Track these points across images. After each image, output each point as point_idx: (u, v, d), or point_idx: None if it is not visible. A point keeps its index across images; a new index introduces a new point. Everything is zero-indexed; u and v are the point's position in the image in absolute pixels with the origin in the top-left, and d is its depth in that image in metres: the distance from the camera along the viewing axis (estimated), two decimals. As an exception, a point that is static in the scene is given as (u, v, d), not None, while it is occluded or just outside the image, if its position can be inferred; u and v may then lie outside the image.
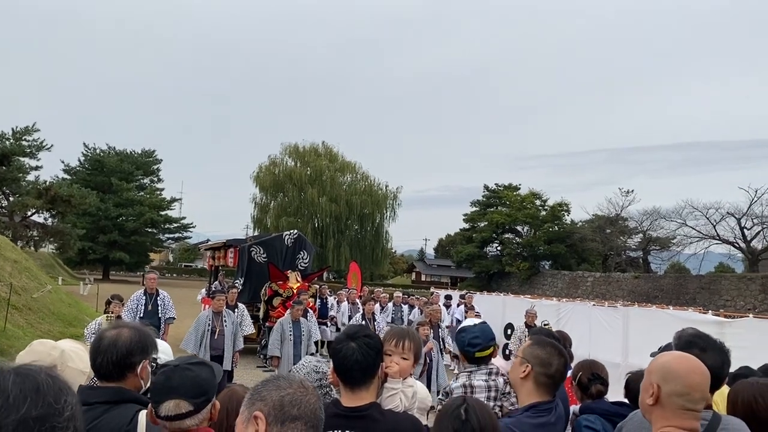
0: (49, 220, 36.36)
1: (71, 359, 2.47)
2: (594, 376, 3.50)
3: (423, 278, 69.21)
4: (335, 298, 15.03)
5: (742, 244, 36.16)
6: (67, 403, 1.09)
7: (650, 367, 2.09)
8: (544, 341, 2.71)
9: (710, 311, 10.87)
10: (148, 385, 2.45)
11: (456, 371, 13.35)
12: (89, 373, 2.46)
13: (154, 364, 2.39)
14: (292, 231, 15.33)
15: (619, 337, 10.65)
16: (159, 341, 2.87)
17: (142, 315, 9.64)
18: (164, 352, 3.07)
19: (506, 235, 48.92)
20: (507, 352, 13.13)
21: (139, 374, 2.30)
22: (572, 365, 4.91)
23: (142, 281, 28.23)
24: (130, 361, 2.27)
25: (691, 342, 2.68)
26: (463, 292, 17.58)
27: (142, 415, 2.19)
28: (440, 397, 3.07)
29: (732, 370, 2.87)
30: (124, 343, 2.27)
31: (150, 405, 2.03)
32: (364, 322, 10.40)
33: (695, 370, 1.97)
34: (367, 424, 2.19)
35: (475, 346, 2.91)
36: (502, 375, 2.81)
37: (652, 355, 4.67)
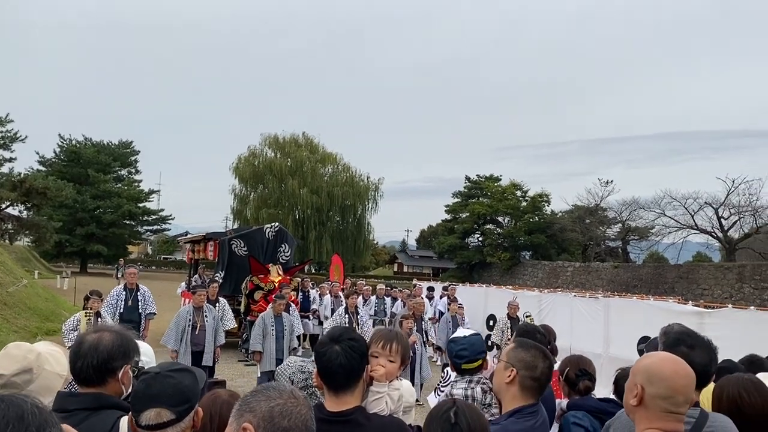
0: (25, 212, 35.77)
1: (48, 362, 2.39)
2: (582, 371, 3.50)
3: (405, 269, 69.41)
4: (318, 291, 14.97)
5: (720, 234, 36.68)
6: (49, 428, 1.05)
7: (635, 367, 2.08)
8: (527, 343, 2.68)
9: (690, 302, 10.99)
10: (130, 390, 2.39)
11: (438, 362, 13.44)
12: (67, 376, 2.39)
13: (136, 369, 2.33)
14: (273, 224, 15.22)
15: (600, 328, 10.74)
16: (140, 343, 2.80)
17: (122, 310, 9.52)
18: (146, 354, 3.00)
19: (487, 226, 49.14)
20: (489, 343, 13.20)
21: (121, 379, 2.24)
22: (557, 359, 4.94)
23: (116, 275, 27.89)
24: (111, 366, 2.20)
25: (678, 339, 2.67)
26: (446, 284, 17.62)
27: (124, 422, 2.13)
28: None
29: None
30: (105, 348, 2.21)
31: (130, 413, 1.96)
32: (347, 316, 10.35)
33: (680, 372, 1.97)
34: (351, 429, 2.16)
35: (462, 358, 2.88)
36: (483, 384, 2.76)
37: (640, 350, 4.70)
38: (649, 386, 1.96)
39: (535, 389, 2.52)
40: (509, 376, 2.51)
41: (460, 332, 3.26)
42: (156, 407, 1.90)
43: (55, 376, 2.38)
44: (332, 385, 2.23)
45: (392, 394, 2.46)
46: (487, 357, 3.01)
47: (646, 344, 4.70)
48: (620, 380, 3.43)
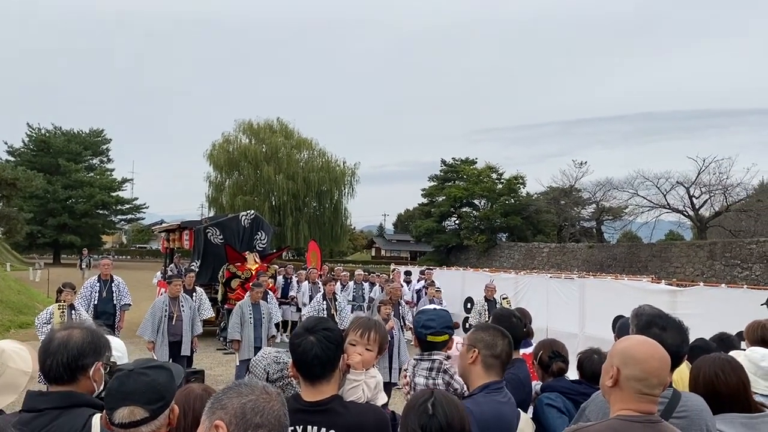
0: (-6, 204, 35.03)
1: (12, 359, 2.34)
2: (554, 354, 3.56)
3: (383, 253, 69.62)
4: (296, 278, 14.93)
5: (691, 212, 37.33)
6: None
7: (612, 350, 2.13)
8: (486, 325, 2.82)
9: (663, 280, 11.18)
10: (102, 387, 2.35)
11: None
12: (32, 373, 2.35)
13: (108, 365, 2.29)
14: (248, 211, 15.11)
15: (575, 309, 10.88)
16: (112, 338, 2.75)
17: (96, 302, 9.40)
18: (117, 350, 2.95)
19: (464, 209, 49.40)
20: (468, 326, 13.31)
21: (92, 376, 2.20)
22: (533, 342, 5.00)
23: (80, 265, 27.33)
24: (81, 363, 2.16)
25: (651, 322, 2.72)
26: (423, 268, 17.69)
27: (96, 419, 2.10)
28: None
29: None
30: (75, 344, 2.17)
31: (104, 411, 1.93)
32: (325, 302, 10.34)
33: (654, 355, 2.02)
34: (329, 418, 2.17)
35: (428, 329, 2.87)
36: (445, 372, 2.77)
37: (614, 333, 4.77)
38: (625, 368, 2.00)
39: (497, 366, 2.62)
40: (472, 356, 2.62)
41: (430, 306, 3.28)
42: (129, 405, 1.87)
43: (20, 374, 2.33)
44: (308, 376, 2.23)
45: (369, 381, 2.47)
46: (453, 338, 2.99)
47: (617, 325, 4.78)
48: (583, 362, 3.50)
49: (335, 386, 2.29)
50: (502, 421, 2.52)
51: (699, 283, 10.91)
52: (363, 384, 2.44)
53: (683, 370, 3.01)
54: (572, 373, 3.69)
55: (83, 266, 25.75)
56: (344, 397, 2.36)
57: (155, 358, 7.79)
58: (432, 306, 3.34)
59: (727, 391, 2.66)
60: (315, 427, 2.17)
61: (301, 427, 2.16)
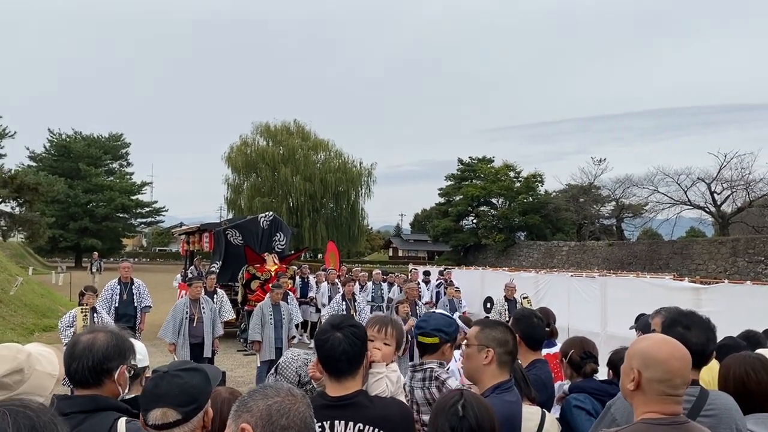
0: (17, 209, 35.53)
1: (39, 362, 2.35)
2: (586, 354, 3.48)
3: (400, 254, 69.53)
4: (315, 279, 14.96)
5: (713, 209, 36.83)
6: None
7: (630, 351, 2.07)
8: (491, 322, 2.78)
9: (686, 278, 11.02)
10: (126, 391, 2.35)
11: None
12: (58, 376, 2.35)
13: (132, 370, 2.30)
14: (267, 213, 15.16)
15: (597, 307, 10.76)
16: (134, 341, 2.76)
17: (117, 305, 9.48)
18: (139, 353, 2.96)
19: (481, 208, 49.16)
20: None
21: (117, 380, 2.20)
22: (557, 341, 4.92)
23: (90, 269, 27.45)
24: (106, 367, 2.17)
25: (674, 321, 2.66)
26: (442, 268, 17.62)
27: (121, 423, 2.10)
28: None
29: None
30: (99, 348, 2.18)
31: (141, 413, 1.94)
32: (344, 303, 10.35)
33: (675, 355, 1.96)
34: (356, 412, 2.19)
35: (419, 329, 2.86)
36: (436, 378, 2.73)
37: (631, 328, 4.69)
38: (646, 370, 1.95)
39: (509, 363, 2.62)
40: (486, 357, 2.55)
41: (438, 311, 3.28)
42: (162, 407, 1.89)
43: (47, 377, 2.34)
44: (335, 372, 2.24)
45: (391, 375, 2.49)
46: (447, 346, 2.93)
47: (637, 323, 4.70)
48: (616, 363, 3.42)
49: (360, 382, 2.30)
50: (513, 422, 2.51)
51: (723, 280, 10.74)
52: (386, 378, 2.46)
53: (713, 368, 2.94)
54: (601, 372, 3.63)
55: (93, 270, 25.84)
56: (369, 391, 2.38)
57: (176, 360, 7.83)
58: (439, 310, 3.34)
59: (758, 390, 2.60)
60: (342, 422, 2.18)
61: (328, 422, 2.17)
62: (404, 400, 2.56)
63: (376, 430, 2.17)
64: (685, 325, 2.55)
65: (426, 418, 2.67)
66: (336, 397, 2.22)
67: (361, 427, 2.17)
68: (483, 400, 2.08)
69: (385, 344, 2.58)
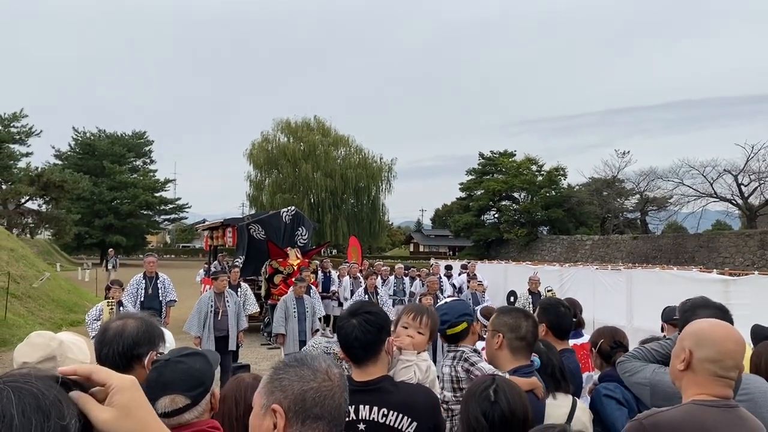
0: (43, 206, 36.18)
1: (71, 350, 2.36)
2: (616, 343, 3.43)
3: (421, 249, 69.43)
4: (337, 273, 14.99)
5: (740, 201, 36.15)
6: (71, 416, 0.98)
7: (683, 333, 2.04)
8: (508, 309, 2.84)
9: (714, 270, 10.83)
10: None
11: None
12: (89, 363, 2.37)
13: (161, 356, 2.31)
14: (289, 208, 15.21)
15: (623, 300, 10.64)
16: (164, 330, 2.77)
17: (142, 299, 9.56)
18: (168, 341, 2.98)
19: (503, 202, 48.87)
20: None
21: (147, 366, 2.20)
22: (584, 332, 4.87)
23: (105, 266, 27.67)
24: (137, 353, 2.18)
25: (696, 307, 2.64)
26: (465, 262, 17.54)
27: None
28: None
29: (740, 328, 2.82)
30: (130, 334, 2.19)
31: None
32: (366, 297, 10.35)
33: (730, 337, 1.93)
34: (381, 397, 2.19)
35: (443, 324, 2.83)
36: (465, 360, 2.71)
37: (663, 320, 4.62)
38: (698, 350, 1.91)
39: (523, 348, 2.62)
40: (497, 342, 2.62)
41: (442, 301, 3.26)
42: (170, 394, 1.88)
43: (78, 364, 2.35)
44: (353, 358, 2.26)
45: (420, 364, 2.50)
46: (476, 322, 2.95)
47: (663, 313, 4.63)
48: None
49: (383, 368, 2.29)
50: (534, 407, 2.46)
51: (753, 272, 10.53)
52: (415, 366, 2.46)
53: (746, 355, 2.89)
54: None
55: (109, 267, 26.04)
56: (395, 377, 2.37)
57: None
58: (444, 300, 3.33)
59: None
60: (367, 406, 2.18)
61: (353, 407, 2.17)
62: (435, 389, 2.54)
63: (401, 415, 2.17)
64: (715, 307, 2.52)
65: (448, 395, 2.71)
66: (361, 382, 2.22)
67: (386, 412, 2.17)
68: (517, 387, 2.06)
69: (419, 333, 2.59)
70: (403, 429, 2.16)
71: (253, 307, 10.69)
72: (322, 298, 13.47)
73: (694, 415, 1.84)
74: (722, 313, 2.57)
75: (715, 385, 1.89)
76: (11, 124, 34.16)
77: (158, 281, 9.86)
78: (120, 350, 2.15)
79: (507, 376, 2.46)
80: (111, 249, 33.14)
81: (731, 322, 2.58)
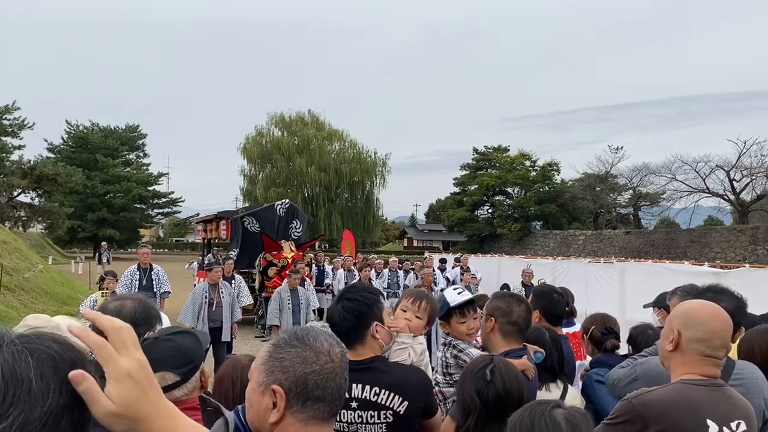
0: (36, 199, 36.01)
1: (67, 332, 2.38)
2: (608, 330, 3.48)
3: (415, 244, 69.45)
4: (332, 266, 15.02)
5: (732, 197, 36.35)
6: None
7: (671, 315, 2.09)
8: (502, 294, 2.90)
9: (706, 263, 10.92)
10: None
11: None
12: (85, 348, 2.38)
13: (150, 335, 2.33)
14: (283, 201, 15.21)
15: (615, 293, 10.69)
16: (160, 313, 2.79)
17: (136, 290, 9.56)
18: (166, 324, 3.00)
19: (497, 197, 48.96)
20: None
21: None
22: (576, 321, 4.91)
23: (98, 259, 27.35)
24: (135, 333, 2.19)
25: (704, 290, 2.66)
26: (458, 255, 17.60)
27: None
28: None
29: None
30: (127, 314, 2.20)
31: None
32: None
33: (717, 316, 1.96)
34: (373, 376, 2.21)
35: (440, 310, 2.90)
36: (454, 347, 2.75)
37: (645, 306, 4.68)
38: (686, 330, 1.94)
39: (515, 333, 2.67)
40: (489, 325, 2.67)
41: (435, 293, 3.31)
42: (159, 371, 1.88)
43: None
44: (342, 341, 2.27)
45: (416, 347, 2.52)
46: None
47: (653, 301, 4.68)
48: (637, 337, 3.42)
49: (373, 350, 2.29)
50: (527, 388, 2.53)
51: (744, 264, 10.62)
52: (410, 348, 2.48)
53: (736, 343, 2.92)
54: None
55: (102, 260, 25.82)
56: (390, 358, 2.40)
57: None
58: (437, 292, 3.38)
59: None
60: (359, 385, 2.20)
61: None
62: (428, 373, 2.57)
63: (392, 394, 2.19)
64: (715, 291, 2.55)
65: (440, 378, 2.78)
66: (354, 361, 2.21)
67: (377, 391, 2.19)
68: (514, 368, 2.08)
69: (417, 317, 2.63)
70: (395, 408, 2.19)
71: (247, 299, 10.70)
72: (316, 291, 13.50)
73: (682, 394, 1.88)
74: (731, 298, 2.60)
75: (703, 365, 1.92)
76: (3, 117, 33.93)
77: (152, 273, 9.87)
78: None
79: None
80: (104, 243, 32.99)
81: (742, 306, 2.62)
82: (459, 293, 2.83)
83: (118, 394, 0.92)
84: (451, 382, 2.73)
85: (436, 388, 2.72)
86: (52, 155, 50.82)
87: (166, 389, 1.88)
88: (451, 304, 2.76)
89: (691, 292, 2.78)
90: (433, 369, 2.97)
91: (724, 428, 1.85)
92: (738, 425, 1.87)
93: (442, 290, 13.24)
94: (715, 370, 1.94)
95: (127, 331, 0.98)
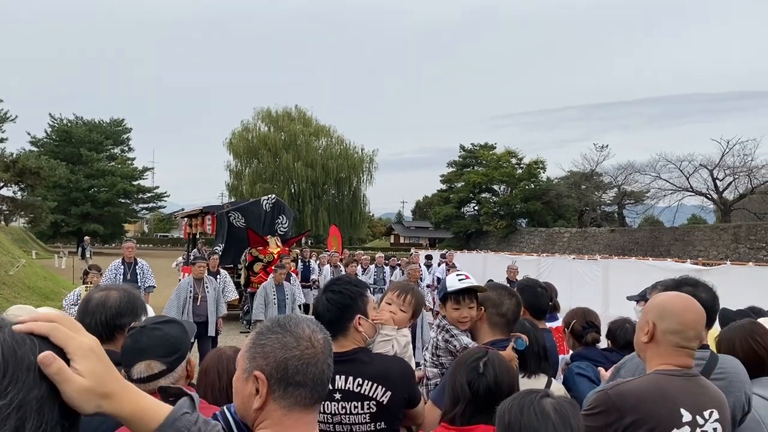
0: (19, 193, 35.60)
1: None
2: (588, 324, 3.52)
3: (401, 241, 69.54)
4: (318, 262, 15.00)
5: (715, 196, 36.72)
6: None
7: (646, 307, 2.13)
8: (495, 285, 2.95)
9: (688, 260, 11.06)
10: None
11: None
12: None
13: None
14: (269, 196, 15.17)
15: (599, 289, 10.82)
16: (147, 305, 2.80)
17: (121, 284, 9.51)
18: (151, 314, 3.00)
19: (483, 195, 49.13)
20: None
21: None
22: (559, 315, 4.97)
23: (81, 254, 27.08)
24: (119, 323, 2.20)
25: (681, 282, 2.71)
26: (444, 251, 17.66)
27: None
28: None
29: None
30: (113, 304, 2.21)
31: (123, 370, 1.93)
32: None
33: (690, 308, 2.01)
34: (356, 367, 2.22)
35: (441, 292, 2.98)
36: (447, 331, 2.79)
37: (629, 298, 4.76)
38: (661, 322, 1.99)
39: (503, 324, 2.71)
40: (479, 314, 2.72)
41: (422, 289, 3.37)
42: (145, 360, 1.90)
43: None
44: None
45: (399, 339, 2.54)
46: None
47: (638, 294, 4.75)
48: (616, 331, 3.48)
49: (355, 341, 2.30)
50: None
51: (725, 262, 10.77)
52: (394, 340, 2.51)
53: (713, 335, 2.97)
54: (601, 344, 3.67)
55: (86, 255, 25.59)
56: (373, 349, 2.42)
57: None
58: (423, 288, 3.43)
59: (766, 354, 2.63)
60: (342, 376, 2.21)
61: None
62: (412, 363, 2.59)
63: (376, 385, 2.21)
64: (692, 284, 2.60)
65: (427, 355, 2.83)
66: (337, 353, 2.25)
67: (360, 382, 2.20)
68: (507, 363, 2.11)
69: (401, 310, 2.66)
70: (378, 398, 2.20)
71: (233, 294, 10.69)
72: (302, 287, 13.49)
73: (657, 384, 1.92)
74: (707, 290, 2.65)
75: (677, 355, 1.97)
76: (-15, 110, 33.55)
77: (137, 267, 9.80)
78: (102, 320, 2.17)
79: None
80: (87, 237, 32.68)
81: (716, 297, 2.67)
82: (460, 280, 2.81)
83: (86, 368, 0.93)
84: (437, 363, 2.76)
85: (421, 367, 2.78)
86: (35, 149, 50.27)
87: (153, 378, 1.89)
88: (449, 289, 2.76)
89: (670, 286, 2.82)
90: (417, 365, 3.01)
91: (698, 417, 1.90)
92: (711, 414, 1.92)
93: (428, 286, 13.35)
94: (688, 360, 1.98)
95: (70, 317, 0.99)
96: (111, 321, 2.18)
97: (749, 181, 35.08)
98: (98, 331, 2.16)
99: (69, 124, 53.55)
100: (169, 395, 1.19)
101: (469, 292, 2.73)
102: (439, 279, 14.73)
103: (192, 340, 2.14)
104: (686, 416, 1.89)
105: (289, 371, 1.35)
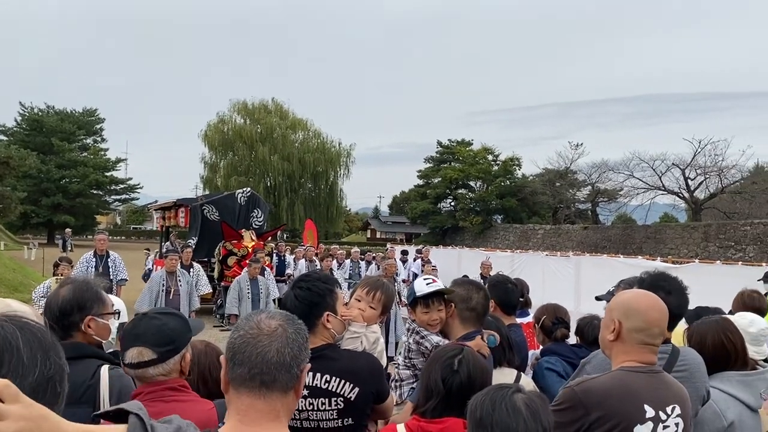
0: (-14, 183, 34.84)
1: (25, 314, 2.36)
2: (558, 320, 3.57)
3: (378, 235, 69.60)
4: (293, 256, 14.94)
5: (686, 194, 37.40)
6: (63, 358, 1.02)
7: (611, 305, 2.16)
8: (462, 281, 2.98)
9: (658, 258, 11.25)
10: (112, 338, 2.40)
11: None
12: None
13: (117, 317, 2.37)
14: (244, 189, 15.06)
15: (571, 285, 10.96)
16: (113, 297, 2.79)
17: (92, 277, 9.38)
18: (119, 307, 2.98)
19: (459, 191, 49.41)
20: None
21: (86, 331, 2.22)
22: (530, 311, 5.03)
23: (62, 245, 26.65)
24: (68, 321, 2.21)
25: (656, 285, 2.75)
26: (420, 247, 17.73)
27: (104, 370, 2.15)
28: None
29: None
30: (56, 305, 2.23)
31: (121, 353, 2.03)
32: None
33: (654, 306, 2.05)
34: (323, 363, 2.22)
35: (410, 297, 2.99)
36: (417, 332, 2.82)
37: (597, 298, 4.84)
38: (626, 320, 2.03)
39: (473, 318, 2.75)
40: (449, 311, 2.74)
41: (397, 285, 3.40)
42: (138, 346, 1.94)
43: None
44: None
45: (369, 336, 2.55)
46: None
47: (604, 295, 4.81)
48: (584, 328, 3.54)
49: (323, 338, 2.30)
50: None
51: (695, 260, 10.99)
52: (363, 337, 2.52)
53: (678, 331, 3.04)
54: (571, 340, 3.73)
55: (67, 248, 25.16)
56: (342, 346, 2.42)
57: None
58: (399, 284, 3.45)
59: (734, 350, 2.69)
60: (310, 373, 2.20)
61: None
62: (382, 361, 2.61)
63: (343, 381, 2.21)
64: (666, 290, 2.63)
65: (401, 360, 2.84)
66: None
67: (328, 378, 2.21)
68: (482, 361, 2.13)
69: (371, 307, 2.64)
70: (346, 394, 2.21)
71: (206, 288, 10.60)
72: (277, 281, 13.43)
73: (622, 380, 1.97)
74: (679, 296, 2.69)
75: (642, 352, 2.02)
76: (-47, 97, 32.79)
77: (109, 260, 9.67)
78: (53, 320, 2.21)
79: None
80: (68, 229, 32.13)
81: (685, 302, 2.73)
82: (428, 284, 2.82)
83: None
84: (409, 365, 2.78)
85: (396, 369, 2.78)
86: (5, 138, 49.34)
87: (141, 365, 1.94)
88: (417, 294, 2.77)
89: (633, 284, 2.88)
90: (391, 359, 3.03)
91: (660, 412, 1.95)
92: (673, 409, 1.97)
93: (404, 281, 13.39)
94: (652, 357, 2.03)
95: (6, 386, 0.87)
96: (59, 321, 2.22)
97: (719, 181, 35.80)
98: (55, 331, 2.18)
99: (40, 113, 52.62)
100: (108, 415, 1.16)
101: (438, 295, 2.75)
102: (415, 275, 14.79)
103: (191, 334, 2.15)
104: (650, 412, 1.93)
105: (234, 350, 1.40)
